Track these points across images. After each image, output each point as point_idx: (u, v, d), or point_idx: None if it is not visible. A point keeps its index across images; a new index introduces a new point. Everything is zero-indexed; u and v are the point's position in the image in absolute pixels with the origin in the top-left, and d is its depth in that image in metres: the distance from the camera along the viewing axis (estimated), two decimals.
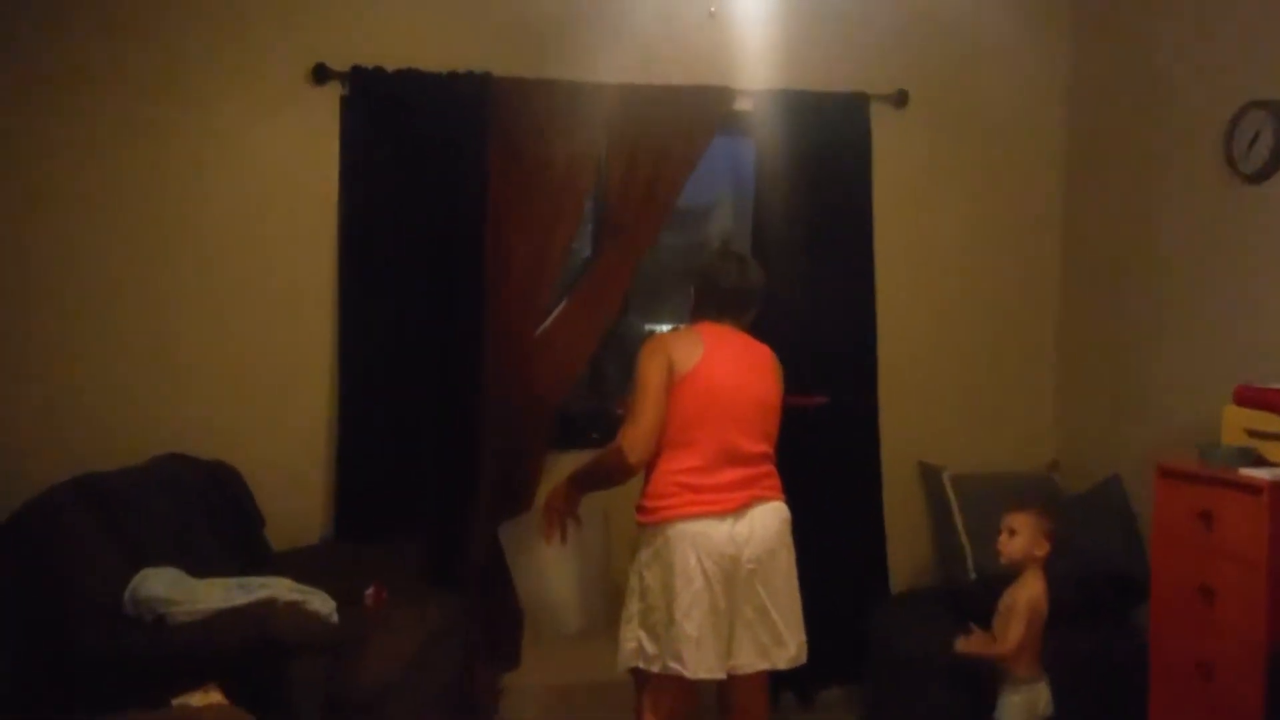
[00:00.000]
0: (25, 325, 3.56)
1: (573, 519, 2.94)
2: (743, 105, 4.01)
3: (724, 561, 2.68)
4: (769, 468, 2.87)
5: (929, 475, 4.17)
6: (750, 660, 2.73)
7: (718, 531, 2.69)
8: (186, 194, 3.69)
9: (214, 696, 2.49)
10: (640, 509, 2.77)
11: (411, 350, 3.80)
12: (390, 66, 3.75)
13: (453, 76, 3.78)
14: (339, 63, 3.74)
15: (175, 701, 2.47)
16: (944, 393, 4.27)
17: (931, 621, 3.69)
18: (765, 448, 2.86)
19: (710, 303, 2.95)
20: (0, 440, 3.46)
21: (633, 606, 2.75)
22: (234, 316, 3.74)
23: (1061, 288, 4.32)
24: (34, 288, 3.57)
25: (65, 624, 2.72)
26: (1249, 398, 3.01)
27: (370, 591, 3.34)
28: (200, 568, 3.01)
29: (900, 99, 4.13)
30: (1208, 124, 3.49)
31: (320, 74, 3.74)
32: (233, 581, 2.87)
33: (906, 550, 4.19)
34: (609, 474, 2.80)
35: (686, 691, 2.75)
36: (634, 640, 2.74)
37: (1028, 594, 3.09)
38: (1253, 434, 2.96)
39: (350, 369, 3.79)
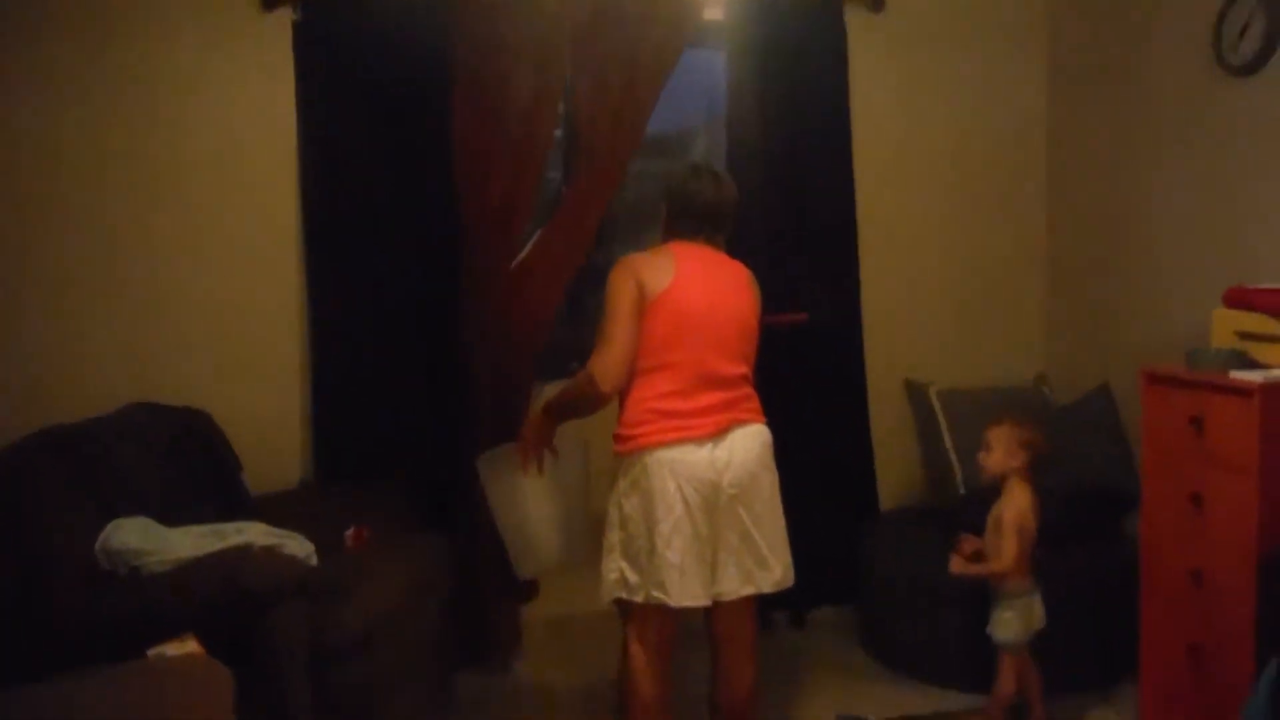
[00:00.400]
0: None
1: (549, 450, 2.88)
2: (712, 14, 3.86)
3: (704, 487, 2.62)
4: (748, 390, 2.79)
5: (915, 392, 4.11)
6: (735, 585, 2.69)
7: (696, 457, 2.62)
8: (142, 135, 3.54)
9: (190, 646, 2.44)
10: (617, 438, 2.71)
11: (384, 286, 3.69)
12: None
13: None
14: None
15: (151, 653, 2.42)
16: (929, 307, 4.20)
17: (921, 540, 3.67)
18: (743, 369, 2.78)
19: (682, 221, 2.85)
20: None
21: (613, 537, 2.70)
22: (200, 258, 3.62)
23: (1048, 195, 4.22)
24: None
25: (39, 580, 2.66)
26: (1238, 299, 2.93)
27: (350, 533, 3.29)
28: (174, 516, 2.94)
29: (876, 2, 3.99)
30: (1196, 15, 3.36)
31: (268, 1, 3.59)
32: (206, 528, 2.81)
33: (895, 468, 4.15)
34: (582, 403, 2.73)
35: (671, 620, 2.71)
36: (616, 571, 2.69)
37: (1014, 507, 3.05)
38: (1243, 336, 2.89)
39: (321, 308, 3.69)
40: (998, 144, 4.18)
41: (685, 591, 2.63)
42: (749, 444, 2.70)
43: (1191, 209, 3.48)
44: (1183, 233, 3.53)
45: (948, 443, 3.98)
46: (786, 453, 3.88)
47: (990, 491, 3.21)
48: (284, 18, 3.61)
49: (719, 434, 2.66)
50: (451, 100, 3.63)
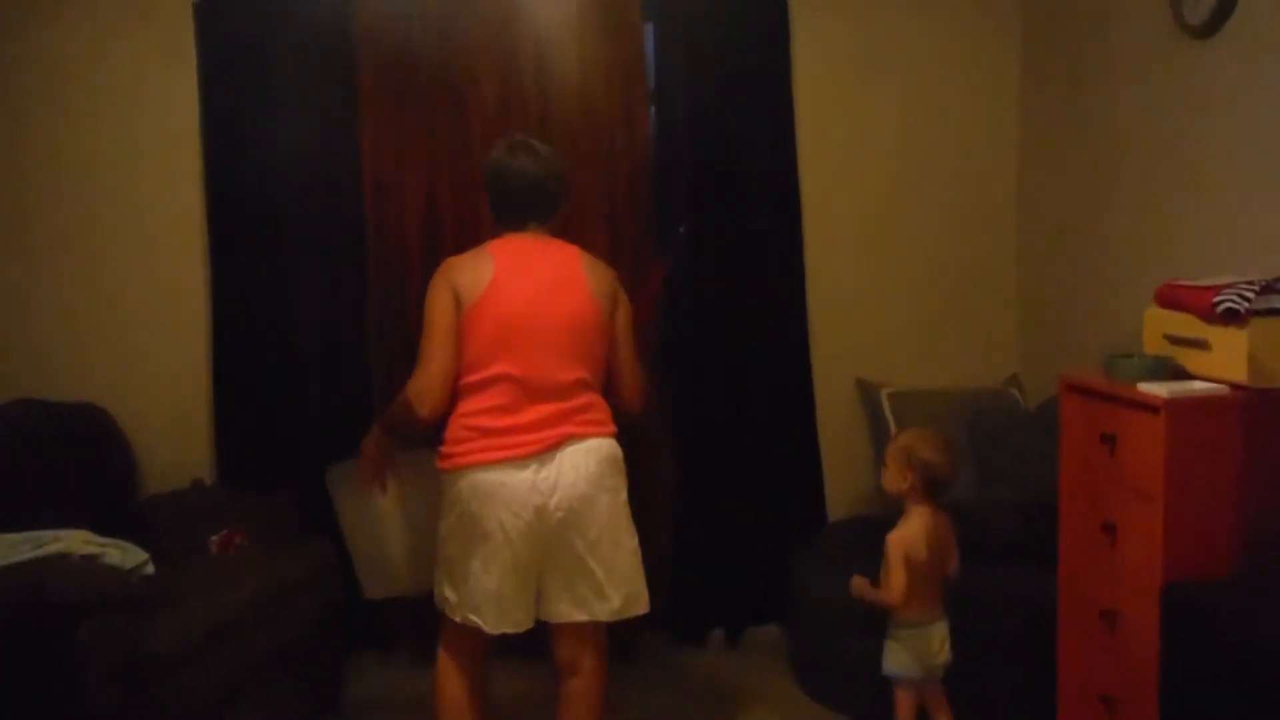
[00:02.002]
0: None
1: (391, 468, 2.64)
2: None
3: (526, 512, 2.37)
4: (588, 397, 2.50)
5: (867, 393, 3.76)
6: (565, 611, 2.44)
7: (517, 480, 2.37)
8: (43, 123, 3.47)
9: None
10: (439, 455, 2.47)
11: (290, 280, 3.54)
12: None
13: None
14: None
15: None
16: (887, 302, 3.83)
17: (856, 557, 3.33)
18: (580, 373, 2.48)
19: (504, 207, 2.57)
20: None
21: (439, 553, 2.49)
22: (100, 250, 3.53)
23: (1019, 178, 3.80)
24: None
25: None
26: (1168, 298, 2.53)
27: (216, 538, 3.14)
28: (31, 519, 2.84)
29: None
30: None
31: None
32: (21, 536, 2.66)
33: (848, 475, 3.80)
34: (406, 425, 2.49)
35: (487, 639, 2.48)
36: (440, 585, 2.49)
37: (899, 534, 2.72)
38: (1172, 340, 2.49)
39: (225, 303, 3.56)
40: (963, 122, 3.78)
41: (503, 618, 2.40)
42: (582, 462, 2.42)
43: (1155, 188, 3.06)
44: (1147, 214, 3.10)
45: None
46: (730, 458, 3.69)
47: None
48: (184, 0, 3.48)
49: (547, 451, 2.40)
50: (358, 84, 3.45)
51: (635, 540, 2.55)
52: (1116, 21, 3.19)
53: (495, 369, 2.41)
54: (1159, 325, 2.54)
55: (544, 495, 2.39)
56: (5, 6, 3.41)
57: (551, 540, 2.41)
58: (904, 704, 2.76)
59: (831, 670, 3.32)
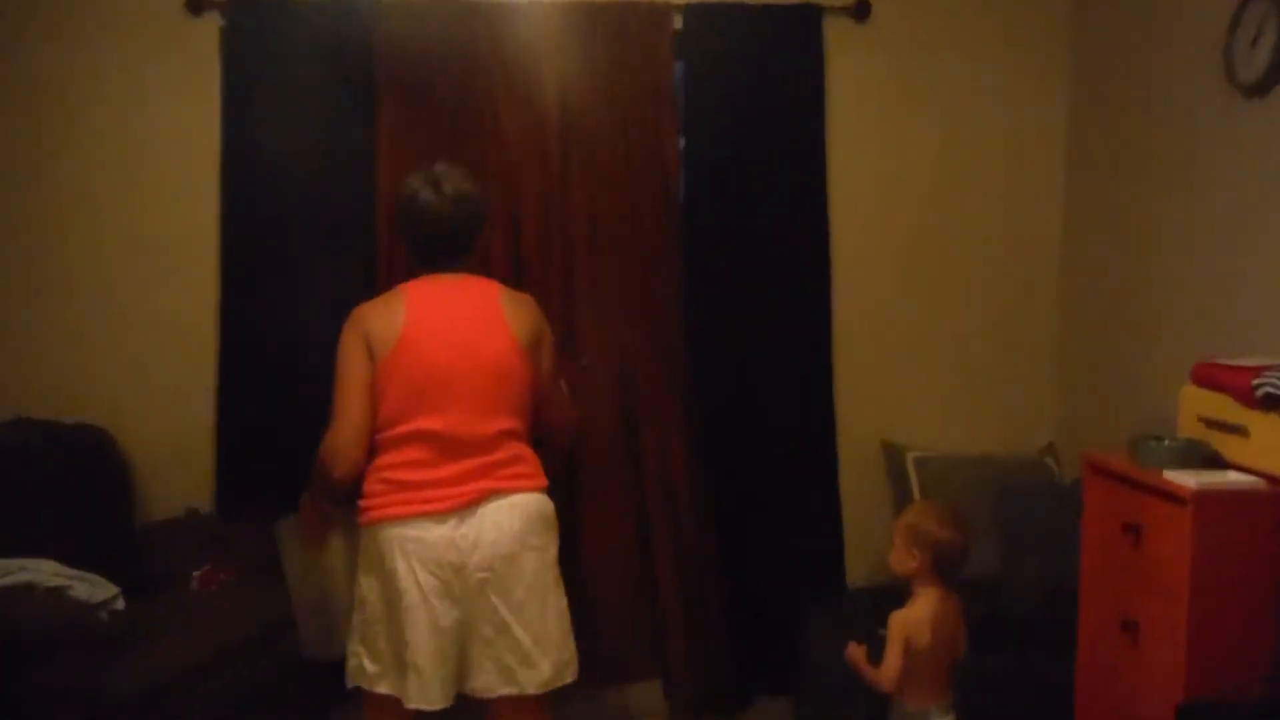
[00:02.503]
0: None
1: (332, 526, 2.50)
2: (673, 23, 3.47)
3: (443, 571, 2.23)
4: (514, 449, 2.34)
5: (892, 456, 3.57)
6: (489, 684, 2.27)
7: (434, 535, 2.23)
8: (56, 144, 3.45)
9: None
10: (357, 509, 2.35)
11: (300, 306, 3.44)
12: None
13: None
14: None
15: None
16: (917, 361, 3.65)
17: (872, 628, 3.13)
18: (506, 423, 2.33)
19: (415, 247, 2.43)
20: None
21: (355, 618, 2.35)
22: (112, 271, 3.49)
23: (1063, 232, 3.60)
24: None
25: None
26: (1204, 377, 2.33)
27: (199, 574, 3.06)
28: (20, 540, 2.77)
29: (861, 10, 3.49)
30: (1207, 25, 2.75)
31: (195, 4, 3.42)
32: None
33: (866, 542, 3.59)
34: (323, 486, 2.37)
35: (409, 713, 2.31)
36: (355, 656, 2.34)
37: (902, 616, 2.52)
38: (1208, 424, 2.28)
39: (233, 328, 3.48)
40: (1005, 177, 3.60)
41: (422, 692, 2.23)
42: (505, 519, 2.27)
43: (1203, 252, 2.85)
44: (1204, 283, 2.88)
45: None
46: (746, 518, 3.53)
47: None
48: (212, 23, 3.45)
49: (467, 507, 2.26)
50: (377, 107, 3.39)
51: (564, 602, 2.38)
52: (1166, 76, 3.00)
53: (412, 424, 2.28)
54: (1194, 406, 2.35)
55: (463, 554, 2.24)
56: (29, 29, 3.40)
57: (472, 604, 2.26)
58: None
59: None
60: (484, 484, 2.27)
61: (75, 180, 3.46)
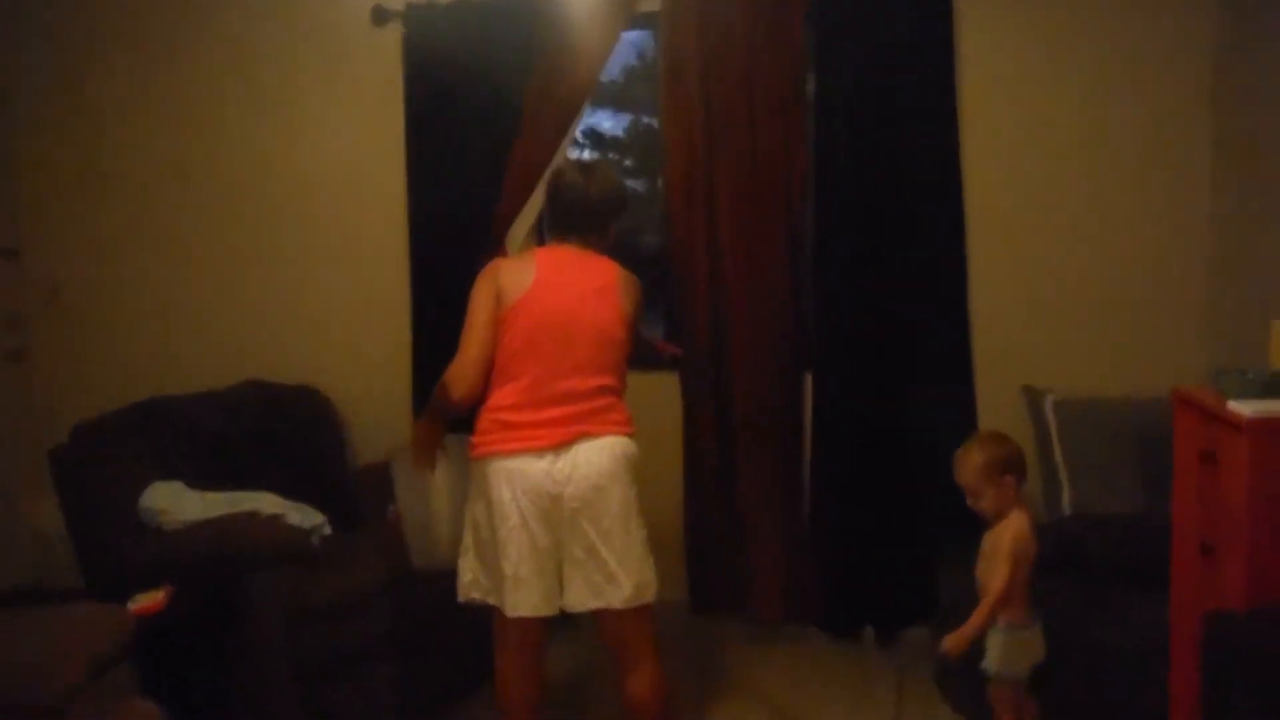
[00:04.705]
0: (142, 263, 4.12)
1: (441, 451, 2.87)
2: None
3: (541, 500, 2.56)
4: (607, 401, 2.65)
5: (1033, 400, 3.64)
6: (582, 599, 2.60)
7: (534, 469, 2.56)
8: (284, 144, 4.03)
9: (156, 596, 2.82)
10: (469, 443, 2.71)
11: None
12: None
13: (502, 2, 3.78)
14: (394, 2, 3.88)
15: (131, 600, 2.82)
16: (1061, 303, 3.70)
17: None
18: (602, 381, 2.64)
19: (556, 220, 2.77)
20: (116, 367, 4.07)
21: (468, 539, 2.71)
22: (323, 258, 4.07)
23: (1212, 172, 3.53)
24: (146, 232, 4.11)
25: (100, 527, 3.18)
26: None
27: (393, 508, 3.54)
28: (242, 483, 3.36)
29: None
30: None
31: (379, 15, 3.90)
32: (223, 495, 3.18)
33: None
34: (445, 408, 2.73)
35: (533, 624, 2.66)
36: (470, 572, 2.70)
37: (1013, 532, 2.70)
38: None
39: (421, 301, 3.97)
40: (1150, 112, 3.58)
41: (523, 602, 2.58)
42: (595, 457, 2.58)
43: None
44: None
45: (1059, 457, 3.50)
46: (890, 459, 3.70)
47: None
48: (394, 31, 3.91)
49: (560, 446, 2.58)
50: (525, 98, 3.75)
51: (644, 532, 2.67)
52: None
53: (523, 368, 2.62)
54: None
55: (558, 485, 2.56)
56: (241, 49, 4.00)
57: (566, 529, 2.58)
58: (1005, 702, 2.75)
59: (965, 677, 3.27)
60: (579, 427, 2.60)
61: (292, 176, 4.04)
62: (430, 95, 3.89)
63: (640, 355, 2.90)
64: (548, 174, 2.88)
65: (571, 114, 3.72)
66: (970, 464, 2.75)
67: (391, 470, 3.08)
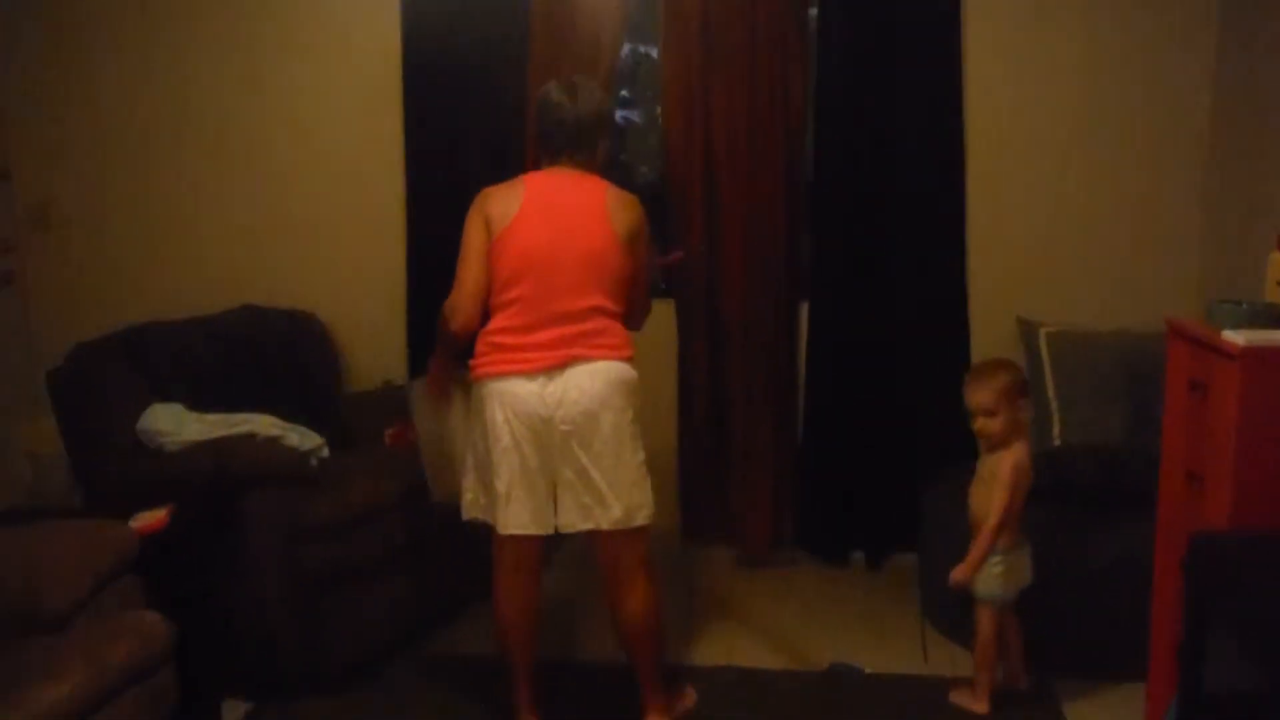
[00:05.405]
0: (134, 187, 4.09)
1: (455, 382, 2.89)
2: None
3: (533, 422, 2.58)
4: (600, 323, 2.64)
5: (1027, 331, 3.66)
6: (572, 520, 2.64)
7: (525, 390, 2.58)
8: (271, 66, 3.98)
9: (158, 514, 2.85)
10: (468, 366, 2.73)
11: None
12: None
13: None
14: None
15: (133, 518, 2.85)
16: (1051, 235, 3.70)
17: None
18: (595, 301, 2.63)
19: (544, 140, 2.74)
20: (109, 290, 4.07)
21: (469, 459, 2.74)
22: (319, 178, 4.03)
23: (1210, 108, 3.52)
24: (138, 156, 4.07)
25: (95, 450, 3.20)
26: None
27: (390, 432, 3.57)
28: (236, 407, 3.35)
29: None
30: None
31: None
32: (220, 417, 3.18)
33: None
34: (444, 338, 2.75)
35: (528, 544, 2.70)
36: (471, 491, 2.74)
37: (1013, 461, 2.77)
38: None
39: (417, 224, 3.96)
40: (1151, 53, 3.56)
41: (512, 520, 2.61)
42: (586, 382, 2.59)
43: None
44: None
45: (1050, 389, 3.53)
46: (883, 389, 3.74)
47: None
48: None
49: (552, 370, 2.59)
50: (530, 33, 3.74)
51: (640, 457, 2.68)
52: None
53: (514, 293, 2.62)
54: (1278, 271, 2.37)
55: (549, 408, 2.58)
56: None
57: (557, 452, 2.60)
58: (989, 624, 2.84)
59: (950, 602, 3.34)
60: (571, 350, 2.60)
61: (283, 92, 3.99)
62: (429, 18, 3.83)
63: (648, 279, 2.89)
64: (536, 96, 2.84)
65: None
66: (995, 383, 2.79)
67: (410, 402, 3.09)
